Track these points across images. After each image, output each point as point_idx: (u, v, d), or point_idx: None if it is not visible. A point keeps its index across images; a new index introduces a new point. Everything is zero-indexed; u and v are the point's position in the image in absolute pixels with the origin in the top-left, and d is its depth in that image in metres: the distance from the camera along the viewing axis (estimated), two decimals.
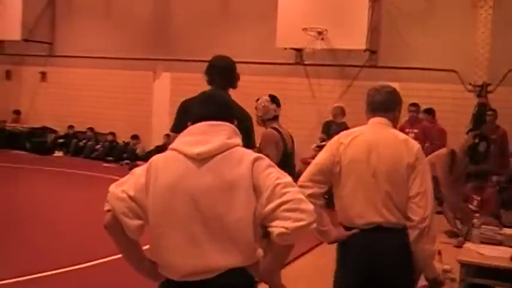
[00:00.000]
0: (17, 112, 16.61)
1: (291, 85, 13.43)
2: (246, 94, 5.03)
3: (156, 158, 2.54)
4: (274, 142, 4.92)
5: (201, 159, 2.42)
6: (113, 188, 2.50)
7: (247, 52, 13.48)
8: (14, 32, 15.39)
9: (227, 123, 2.53)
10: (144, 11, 15.38)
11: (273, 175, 2.39)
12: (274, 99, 5.12)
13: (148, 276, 2.57)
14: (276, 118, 5.12)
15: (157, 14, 15.34)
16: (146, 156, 11.08)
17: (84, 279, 6.06)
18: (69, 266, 6.25)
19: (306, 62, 13.51)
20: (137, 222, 2.43)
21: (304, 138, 12.86)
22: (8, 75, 17.07)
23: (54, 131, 16.24)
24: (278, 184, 2.35)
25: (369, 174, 3.22)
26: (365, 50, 12.63)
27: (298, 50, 13.35)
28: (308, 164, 3.62)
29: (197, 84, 4.63)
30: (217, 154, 2.43)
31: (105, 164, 14.54)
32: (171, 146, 2.56)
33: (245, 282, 2.45)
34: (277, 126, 5.08)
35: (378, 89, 3.44)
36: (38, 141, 15.86)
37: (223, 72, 4.42)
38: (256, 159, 2.43)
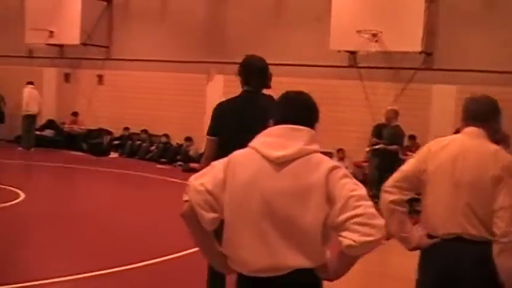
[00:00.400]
0: (75, 114, 17.06)
1: (345, 88, 13.33)
2: None
3: (235, 155, 2.60)
4: None
5: (279, 163, 2.48)
6: (193, 180, 2.58)
7: (300, 54, 13.46)
8: (73, 37, 15.84)
9: (307, 129, 2.55)
10: (198, 15, 15.56)
11: (348, 186, 2.42)
12: None
13: (220, 268, 2.68)
14: None
15: (211, 17, 15.50)
16: (199, 158, 11.16)
17: (145, 276, 6.16)
18: (136, 263, 6.39)
19: (359, 65, 13.38)
20: (212, 215, 2.51)
21: (357, 141, 12.77)
22: (67, 78, 17.56)
23: (110, 133, 16.59)
24: (352, 196, 2.38)
25: (452, 184, 3.18)
26: (420, 52, 12.41)
27: (352, 53, 13.23)
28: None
29: None
30: (296, 159, 2.48)
31: (159, 166, 14.76)
32: (250, 144, 2.60)
33: (312, 281, 2.52)
34: None
35: (475, 98, 3.38)
36: (95, 143, 16.24)
37: (259, 73, 4.40)
38: (333, 168, 2.47)
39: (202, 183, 2.54)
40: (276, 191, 2.45)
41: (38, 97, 16.32)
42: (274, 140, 2.53)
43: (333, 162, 2.55)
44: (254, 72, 4.38)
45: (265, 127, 2.62)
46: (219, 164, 2.60)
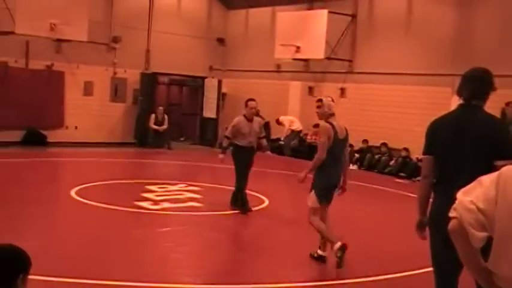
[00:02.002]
0: (316, 126, 17.53)
1: None
2: None
3: (506, 170, 2.50)
4: (327, 132, 6.71)
5: None
6: (461, 197, 2.53)
7: None
8: (318, 51, 16.44)
9: None
10: (445, 27, 15.02)
11: None
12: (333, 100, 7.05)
13: (485, 285, 2.60)
14: (333, 114, 6.87)
15: (458, 27, 14.85)
16: None
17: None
18: (377, 275, 6.47)
19: None
20: (483, 234, 2.45)
21: None
22: (310, 91, 18.28)
23: (350, 145, 16.78)
24: None
25: None
26: None
27: None
28: None
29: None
30: None
31: (397, 180, 14.54)
32: None
33: None
34: (331, 121, 6.79)
35: None
36: None
37: (479, 85, 4.09)
38: None
39: (472, 200, 2.45)
40: None
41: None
42: None
43: None
44: (474, 84, 4.08)
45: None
46: (486, 181, 2.50)
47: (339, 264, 6.43)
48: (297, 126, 18.24)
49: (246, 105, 9.40)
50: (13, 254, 2.72)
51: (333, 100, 7.08)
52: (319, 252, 6.88)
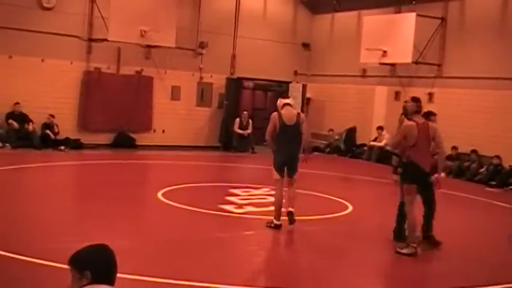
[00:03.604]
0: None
1: None
2: None
3: None
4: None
5: None
6: None
7: None
8: (405, 55, 16.08)
9: None
10: None
11: None
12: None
13: None
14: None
15: None
16: None
17: None
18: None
19: None
20: None
21: None
22: (397, 96, 17.90)
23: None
24: None
25: None
26: None
27: None
28: None
29: None
30: None
31: (488, 188, 13.96)
32: None
33: None
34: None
35: None
36: None
37: None
38: None
39: None
40: None
41: None
42: None
43: None
44: None
45: None
46: None
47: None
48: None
49: None
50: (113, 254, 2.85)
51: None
52: (275, 221, 8.27)
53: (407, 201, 7.36)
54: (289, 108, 8.34)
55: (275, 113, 8.35)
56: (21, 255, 6.08)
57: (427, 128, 7.35)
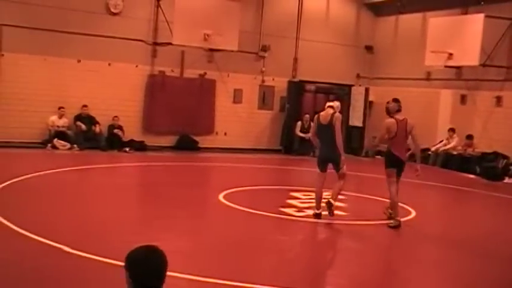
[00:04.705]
0: (470, 136, 16.72)
1: None
2: None
3: None
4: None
5: None
6: None
7: None
8: (473, 58, 15.61)
9: None
10: None
11: None
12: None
13: None
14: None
15: None
16: None
17: None
18: None
19: None
20: None
21: None
22: (463, 99, 17.43)
23: (505, 157, 15.80)
24: None
25: None
26: None
27: None
28: None
29: None
30: None
31: None
32: None
33: None
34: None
35: None
36: (489, 166, 15.67)
37: None
38: None
39: None
40: None
41: None
42: None
43: None
44: None
45: None
46: None
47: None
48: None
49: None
50: (164, 254, 2.86)
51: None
52: (315, 211, 9.04)
53: (389, 182, 8.83)
54: (328, 109, 9.00)
55: (317, 114, 9.22)
56: (88, 253, 6.24)
57: (406, 124, 8.79)
